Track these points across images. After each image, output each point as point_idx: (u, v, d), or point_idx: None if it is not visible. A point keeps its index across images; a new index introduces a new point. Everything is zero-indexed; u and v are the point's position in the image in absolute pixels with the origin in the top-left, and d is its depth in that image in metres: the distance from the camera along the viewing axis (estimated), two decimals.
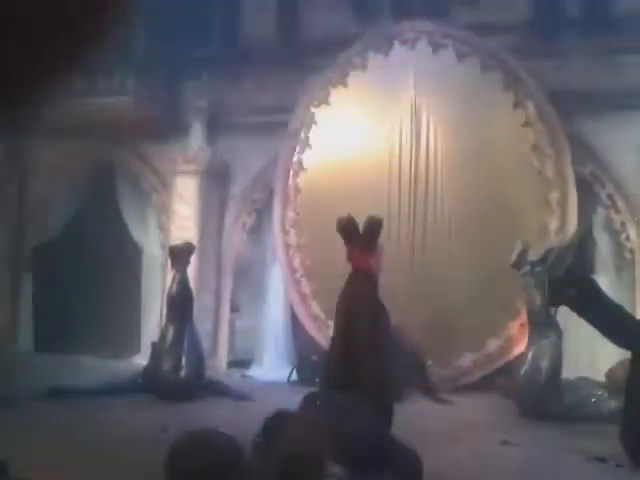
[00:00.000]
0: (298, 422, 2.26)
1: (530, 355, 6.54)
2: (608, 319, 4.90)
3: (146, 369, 7.19)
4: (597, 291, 5.06)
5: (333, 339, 5.28)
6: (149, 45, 8.54)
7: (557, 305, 6.13)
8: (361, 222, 5.20)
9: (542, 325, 6.50)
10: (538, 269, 6.48)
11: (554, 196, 7.62)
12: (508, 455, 5.06)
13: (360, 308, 5.00)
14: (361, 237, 5.14)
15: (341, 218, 5.21)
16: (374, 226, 5.20)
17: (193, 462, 1.93)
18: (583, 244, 6.47)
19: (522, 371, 6.55)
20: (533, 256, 6.64)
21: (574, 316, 5.26)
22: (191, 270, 8.39)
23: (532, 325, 6.70)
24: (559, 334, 6.50)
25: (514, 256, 6.71)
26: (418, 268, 7.84)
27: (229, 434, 2.11)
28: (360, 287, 5.07)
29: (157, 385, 6.81)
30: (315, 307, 8.17)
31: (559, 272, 5.55)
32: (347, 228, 5.16)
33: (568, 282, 5.13)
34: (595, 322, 4.96)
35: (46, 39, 0.92)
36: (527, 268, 6.65)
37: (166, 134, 9.02)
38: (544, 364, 6.40)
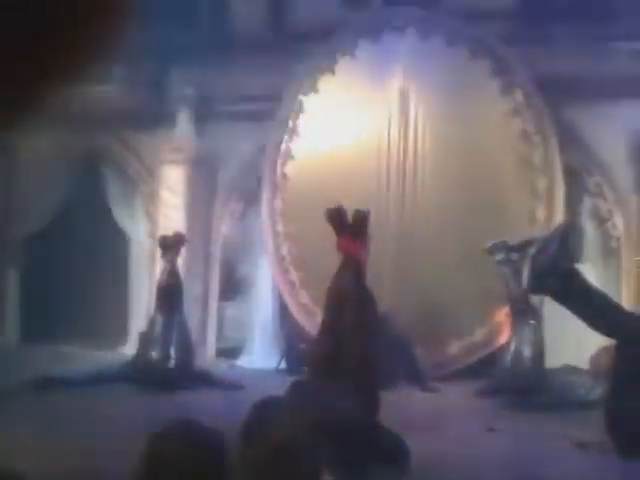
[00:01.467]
0: (284, 409, 2.25)
1: (513, 343, 6.58)
2: (592, 309, 4.92)
3: (134, 359, 7.18)
4: (580, 282, 5.07)
5: (322, 324, 5.31)
6: (135, 32, 8.44)
7: (539, 295, 6.15)
8: (350, 212, 5.22)
9: (522, 312, 6.53)
10: (514, 256, 6.47)
11: (541, 184, 7.64)
12: (493, 442, 5.10)
13: (348, 295, 5.03)
14: (350, 227, 5.17)
15: (330, 208, 5.23)
16: (361, 219, 5.23)
17: (174, 454, 1.92)
18: (569, 232, 6.47)
19: (506, 358, 6.59)
20: (512, 241, 6.63)
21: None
22: (179, 259, 8.37)
23: (513, 312, 6.73)
24: (539, 320, 6.53)
25: (491, 241, 6.72)
26: (406, 255, 7.84)
27: (209, 426, 2.11)
28: (349, 275, 5.09)
29: (145, 375, 6.80)
30: (303, 295, 8.18)
31: (542, 262, 5.56)
32: (336, 218, 5.17)
33: (551, 273, 5.14)
34: (579, 312, 4.98)
35: (32, 32, 0.92)
36: (502, 255, 6.66)
37: (153, 122, 8.95)
38: (526, 351, 6.44)
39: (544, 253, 5.52)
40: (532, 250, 6.12)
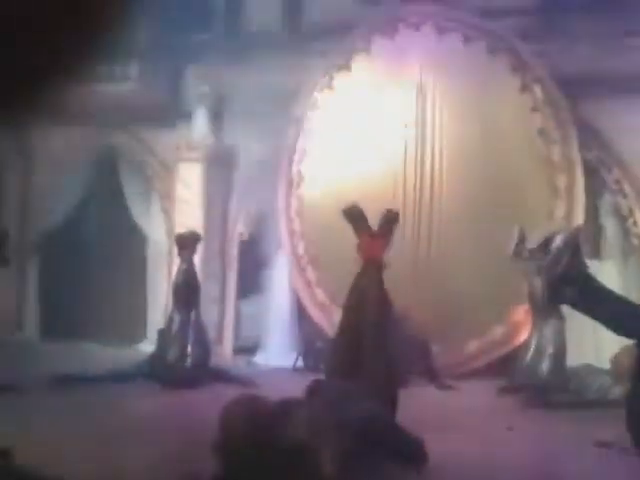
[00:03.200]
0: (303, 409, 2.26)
1: (534, 342, 6.52)
2: (610, 313, 4.86)
3: (152, 356, 7.21)
4: (596, 287, 5.02)
5: (341, 324, 5.29)
6: (151, 30, 8.48)
7: (557, 303, 6.12)
8: (368, 211, 5.20)
9: (544, 311, 6.47)
10: (538, 255, 6.42)
11: (561, 181, 7.56)
12: (513, 441, 5.06)
13: (370, 296, 5.03)
14: (369, 226, 5.17)
15: (350, 207, 5.21)
16: (392, 219, 5.23)
17: (241, 428, 1.96)
18: (580, 239, 6.43)
19: (526, 358, 6.53)
20: (532, 243, 6.58)
21: None
22: (196, 257, 8.38)
23: (535, 311, 6.67)
24: (562, 320, 6.47)
25: (512, 246, 6.67)
26: (424, 253, 7.80)
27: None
28: (371, 276, 5.10)
29: (163, 372, 6.83)
30: (320, 294, 8.16)
31: (556, 274, 5.53)
32: (356, 217, 5.16)
33: (565, 281, 5.10)
34: (598, 317, 4.94)
35: (49, 28, 0.91)
36: (526, 255, 6.61)
37: (169, 120, 8.97)
38: (548, 350, 6.38)
39: (557, 264, 5.49)
40: (550, 249, 6.07)
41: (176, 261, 7.79)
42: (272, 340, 8.45)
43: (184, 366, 6.92)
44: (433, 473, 4.13)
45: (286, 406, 2.55)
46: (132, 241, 9.35)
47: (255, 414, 2.05)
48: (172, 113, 8.95)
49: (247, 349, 8.60)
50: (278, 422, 2.08)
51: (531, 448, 4.94)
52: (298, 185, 8.45)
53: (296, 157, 8.47)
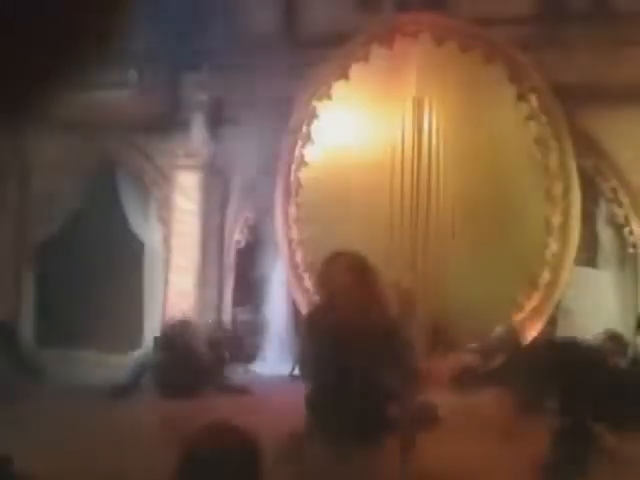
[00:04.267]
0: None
1: None
2: None
3: (150, 364, 7.18)
4: None
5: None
6: (149, 38, 8.49)
7: None
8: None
9: None
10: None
11: (557, 189, 7.58)
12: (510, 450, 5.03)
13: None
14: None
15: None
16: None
17: (209, 457, 1.91)
18: (586, 239, 6.41)
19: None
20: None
21: None
22: (193, 265, 8.39)
23: None
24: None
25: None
26: (420, 264, 7.80)
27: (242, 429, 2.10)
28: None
29: (161, 380, 6.81)
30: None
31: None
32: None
33: None
34: None
35: (47, 35, 0.91)
36: None
37: (167, 128, 8.97)
38: None
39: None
40: None
41: (173, 268, 7.78)
42: (269, 348, 8.44)
43: (185, 374, 6.89)
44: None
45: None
46: (129, 248, 9.33)
47: (223, 445, 1.98)
48: (170, 120, 8.95)
49: (244, 357, 8.58)
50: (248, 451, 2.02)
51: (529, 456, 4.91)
52: (296, 193, 8.46)
53: (294, 165, 8.48)
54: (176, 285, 8.81)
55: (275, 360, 8.26)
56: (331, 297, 5.46)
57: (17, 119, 1.06)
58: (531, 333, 7.29)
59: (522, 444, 4.83)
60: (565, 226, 7.49)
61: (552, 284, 7.54)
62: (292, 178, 8.47)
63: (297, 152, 8.47)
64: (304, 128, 8.44)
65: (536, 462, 4.34)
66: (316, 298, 7.34)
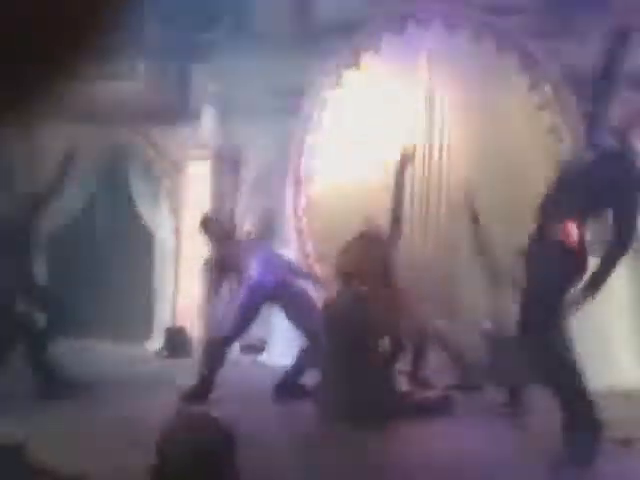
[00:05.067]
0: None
1: None
2: None
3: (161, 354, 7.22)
4: None
5: None
6: (159, 29, 8.47)
7: None
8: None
9: None
10: None
11: None
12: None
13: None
14: None
15: None
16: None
17: (181, 448, 1.89)
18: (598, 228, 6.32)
19: None
20: None
21: None
22: (203, 256, 8.34)
23: None
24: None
25: None
26: (430, 255, 7.76)
27: (217, 417, 2.08)
28: None
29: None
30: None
31: None
32: None
33: None
34: None
35: (54, 26, 0.89)
36: None
37: (178, 118, 8.97)
38: None
39: None
40: None
41: (183, 259, 7.70)
42: (279, 339, 8.44)
43: None
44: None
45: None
46: (140, 239, 9.35)
47: (196, 433, 1.96)
48: (180, 112, 8.93)
49: (253, 348, 8.59)
50: (221, 441, 1.99)
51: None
52: (306, 184, 8.43)
53: (304, 156, 8.44)
54: (186, 276, 8.82)
55: (284, 351, 8.26)
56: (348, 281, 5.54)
57: (24, 112, 1.04)
58: None
59: None
60: None
61: None
62: (302, 169, 8.44)
63: (308, 142, 8.43)
64: (315, 118, 8.39)
65: None
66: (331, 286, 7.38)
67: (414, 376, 6.54)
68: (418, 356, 6.62)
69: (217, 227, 6.78)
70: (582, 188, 4.55)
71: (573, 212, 4.48)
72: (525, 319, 4.41)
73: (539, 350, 4.39)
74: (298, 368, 6.41)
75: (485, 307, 6.57)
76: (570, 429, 4.27)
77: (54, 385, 5.98)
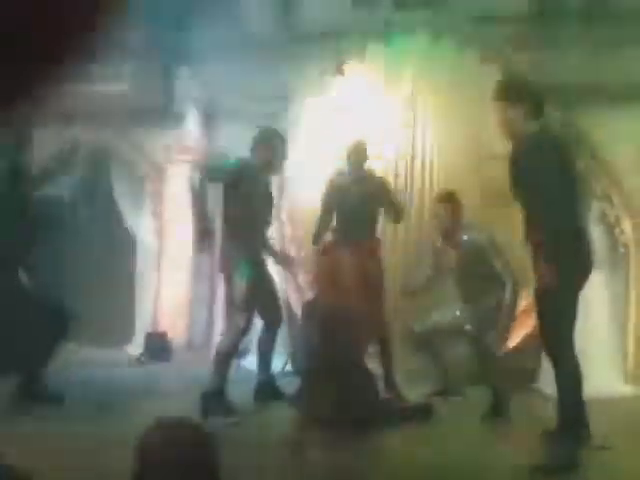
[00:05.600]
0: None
1: None
2: None
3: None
4: None
5: None
6: (144, 31, 8.45)
7: None
8: None
9: None
10: None
11: None
12: None
13: None
14: None
15: None
16: None
17: (161, 454, 1.88)
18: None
19: None
20: None
21: None
22: (186, 259, 8.35)
23: None
24: None
25: None
26: (411, 263, 7.79)
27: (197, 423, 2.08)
28: None
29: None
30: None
31: None
32: None
33: None
34: None
35: (40, 27, 0.90)
36: None
37: (162, 122, 8.94)
38: None
39: None
40: None
41: (165, 263, 7.69)
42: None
43: None
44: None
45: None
46: (121, 242, 9.30)
47: (176, 438, 1.96)
48: (164, 114, 8.91)
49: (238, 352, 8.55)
50: (203, 446, 1.99)
51: None
52: (289, 188, 8.43)
53: (288, 160, 8.44)
54: (169, 279, 8.79)
55: None
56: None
57: (11, 114, 1.05)
58: (523, 332, 7.28)
59: None
60: None
61: None
62: (286, 173, 8.44)
63: (290, 147, 8.43)
64: (299, 123, 8.41)
65: None
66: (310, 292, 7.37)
67: (387, 381, 6.52)
68: (385, 356, 6.59)
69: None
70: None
71: None
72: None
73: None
74: (265, 363, 6.42)
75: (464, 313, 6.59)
76: (559, 431, 4.31)
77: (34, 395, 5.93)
